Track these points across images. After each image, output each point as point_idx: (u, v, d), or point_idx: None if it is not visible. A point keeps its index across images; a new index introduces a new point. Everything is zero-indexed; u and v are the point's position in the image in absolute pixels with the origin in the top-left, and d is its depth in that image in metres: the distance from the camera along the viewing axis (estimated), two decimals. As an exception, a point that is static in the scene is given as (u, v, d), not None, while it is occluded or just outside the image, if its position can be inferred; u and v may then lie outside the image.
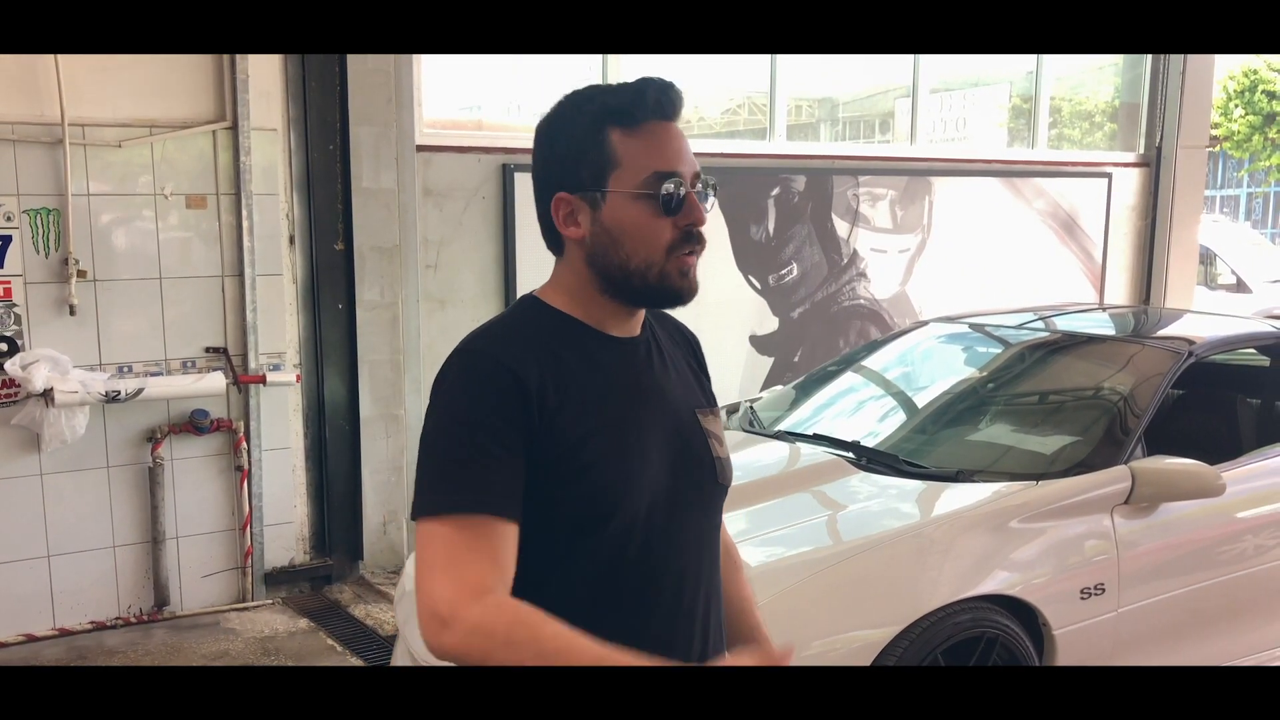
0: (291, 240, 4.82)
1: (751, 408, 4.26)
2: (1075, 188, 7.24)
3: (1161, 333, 4.22)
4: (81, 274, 4.29)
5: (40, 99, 4.21)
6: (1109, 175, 7.38)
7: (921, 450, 3.69)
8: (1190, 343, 3.77)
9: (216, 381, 4.53)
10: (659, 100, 1.47)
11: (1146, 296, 7.68)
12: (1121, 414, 3.53)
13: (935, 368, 4.35)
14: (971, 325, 4.49)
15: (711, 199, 1.52)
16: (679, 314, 1.60)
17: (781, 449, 3.77)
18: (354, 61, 4.79)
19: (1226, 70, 18.77)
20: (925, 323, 4.73)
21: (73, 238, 4.26)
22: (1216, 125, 18.13)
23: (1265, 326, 4.40)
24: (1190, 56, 7.43)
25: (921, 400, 4.11)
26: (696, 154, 1.52)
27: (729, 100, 6.68)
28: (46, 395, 4.15)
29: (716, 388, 1.73)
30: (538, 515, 1.42)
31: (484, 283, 5.32)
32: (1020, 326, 4.31)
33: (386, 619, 4.59)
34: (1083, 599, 3.15)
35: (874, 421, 4.03)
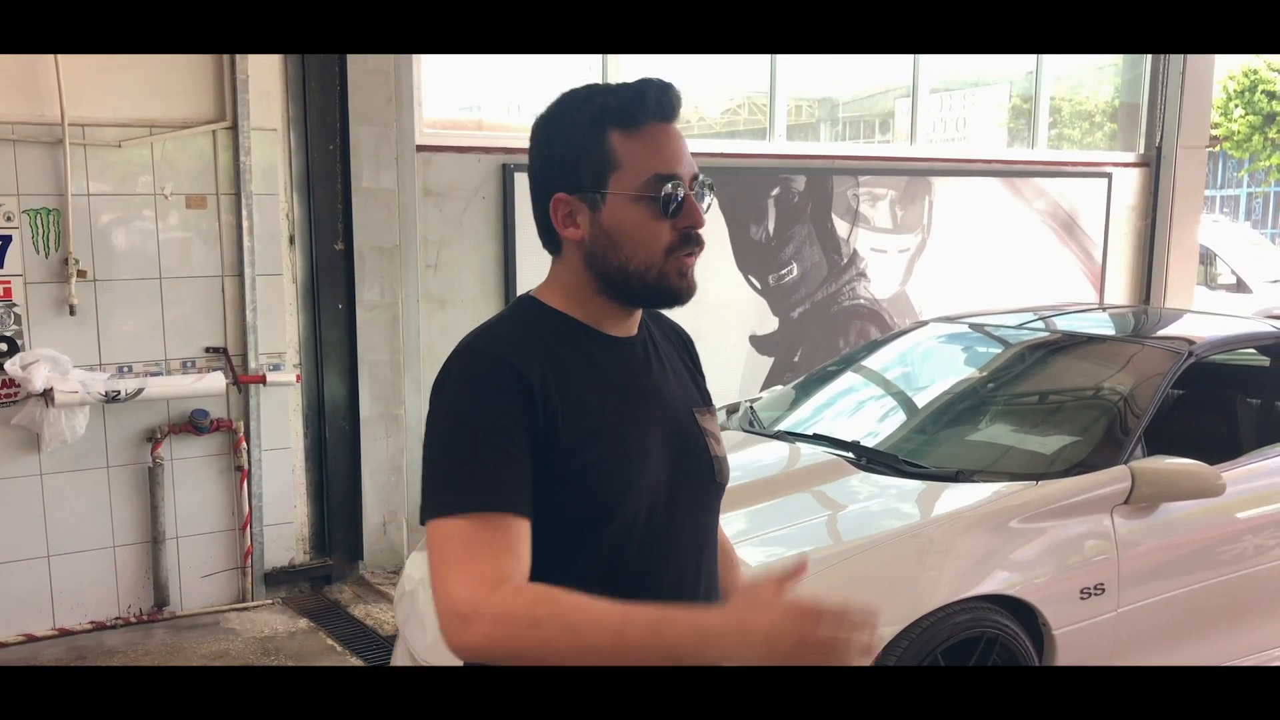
0: (291, 240, 4.82)
1: (751, 408, 4.26)
2: (1075, 188, 7.23)
3: (1161, 333, 4.22)
4: (81, 274, 4.29)
5: (40, 99, 4.21)
6: (1109, 175, 7.38)
7: (921, 450, 3.69)
8: (1190, 343, 3.77)
9: (216, 381, 4.53)
10: (659, 101, 1.47)
11: (1146, 296, 7.68)
12: (1121, 414, 3.53)
13: (935, 368, 4.35)
14: (971, 325, 4.49)
15: (709, 200, 1.52)
16: (680, 314, 1.60)
17: (781, 449, 3.77)
18: (354, 61, 4.79)
19: (1226, 70, 18.76)
20: (925, 323, 4.73)
21: (73, 238, 4.26)
22: (1216, 125, 18.12)
23: (1265, 326, 4.40)
24: (1190, 56, 7.42)
25: (921, 400, 4.11)
26: (696, 154, 1.52)
27: (729, 100, 6.68)
28: (46, 395, 4.15)
29: (716, 388, 1.73)
30: (538, 515, 1.42)
31: (484, 283, 5.31)
32: (1020, 326, 4.31)
33: (386, 619, 4.59)
34: (1082, 599, 3.15)
35: (874, 421, 4.03)
